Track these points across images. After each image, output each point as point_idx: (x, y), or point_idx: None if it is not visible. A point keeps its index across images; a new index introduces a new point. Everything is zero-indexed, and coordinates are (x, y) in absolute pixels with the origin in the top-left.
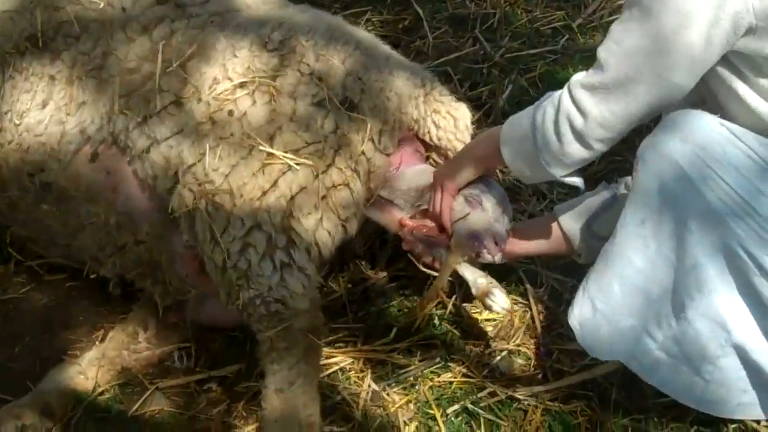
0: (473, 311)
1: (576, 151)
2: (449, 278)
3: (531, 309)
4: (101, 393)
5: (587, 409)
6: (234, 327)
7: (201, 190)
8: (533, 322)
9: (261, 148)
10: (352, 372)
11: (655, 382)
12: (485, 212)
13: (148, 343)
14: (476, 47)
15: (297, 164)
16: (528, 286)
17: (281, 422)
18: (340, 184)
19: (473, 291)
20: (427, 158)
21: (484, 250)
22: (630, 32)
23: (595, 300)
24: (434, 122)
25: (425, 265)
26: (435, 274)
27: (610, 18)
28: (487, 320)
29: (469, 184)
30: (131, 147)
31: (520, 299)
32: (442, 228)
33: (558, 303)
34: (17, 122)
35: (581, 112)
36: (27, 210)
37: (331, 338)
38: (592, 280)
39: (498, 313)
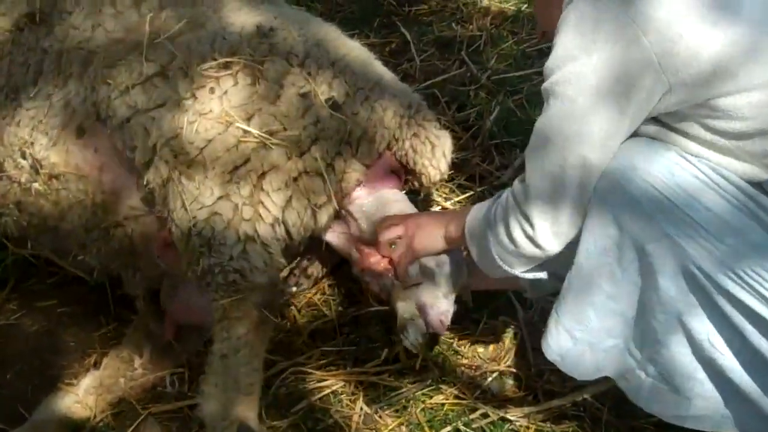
0: (464, 333)
1: (530, 252)
2: None
3: (521, 330)
4: (98, 422)
5: (579, 430)
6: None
7: (176, 162)
8: (523, 343)
9: (237, 125)
10: (344, 395)
11: (642, 403)
12: (436, 286)
13: (143, 368)
14: (463, 69)
15: (272, 144)
16: (518, 307)
17: (221, 386)
18: (312, 171)
19: (397, 321)
20: (406, 181)
21: (430, 327)
22: (549, 122)
23: (572, 330)
24: (412, 146)
25: (374, 296)
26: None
27: None
28: (478, 342)
29: None
30: (112, 116)
31: (510, 320)
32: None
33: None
34: (12, 96)
35: (525, 215)
36: (19, 190)
37: (322, 361)
38: (563, 313)
39: (409, 348)
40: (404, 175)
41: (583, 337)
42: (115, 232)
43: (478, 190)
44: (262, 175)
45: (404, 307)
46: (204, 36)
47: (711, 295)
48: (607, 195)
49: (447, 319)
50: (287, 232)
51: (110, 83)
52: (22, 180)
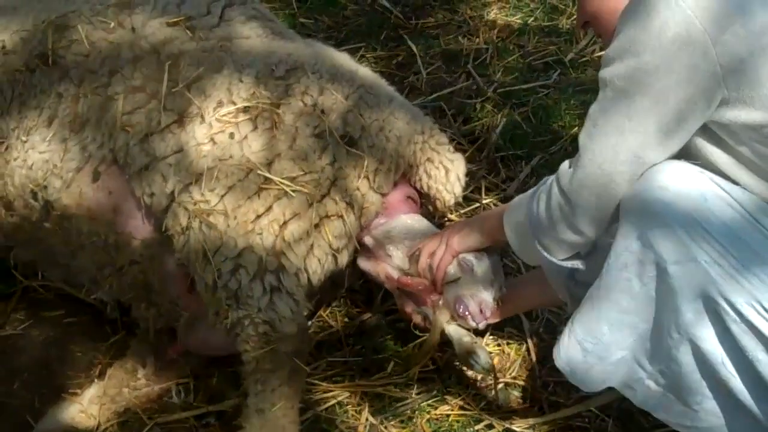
0: None
1: (569, 237)
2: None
3: (527, 342)
4: (103, 431)
5: None
6: (227, 358)
7: (196, 209)
8: (529, 354)
9: (258, 172)
10: (350, 406)
11: (648, 409)
12: (475, 278)
13: (147, 379)
14: (469, 82)
15: (293, 191)
16: (523, 318)
17: None
18: (333, 215)
19: (456, 349)
20: (421, 205)
21: (468, 315)
22: (605, 113)
23: (584, 342)
24: (426, 171)
25: (416, 327)
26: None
27: (601, 52)
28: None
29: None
30: (131, 164)
31: (515, 332)
32: (433, 284)
33: (553, 335)
34: (24, 139)
35: (568, 200)
36: (31, 229)
37: (328, 372)
38: (579, 323)
39: (480, 373)
40: (420, 199)
41: (594, 349)
42: (129, 269)
43: (484, 202)
44: (284, 225)
45: (458, 332)
46: (220, 80)
47: (727, 321)
48: (634, 211)
49: (487, 309)
50: (309, 279)
51: (129, 131)
52: (33, 219)
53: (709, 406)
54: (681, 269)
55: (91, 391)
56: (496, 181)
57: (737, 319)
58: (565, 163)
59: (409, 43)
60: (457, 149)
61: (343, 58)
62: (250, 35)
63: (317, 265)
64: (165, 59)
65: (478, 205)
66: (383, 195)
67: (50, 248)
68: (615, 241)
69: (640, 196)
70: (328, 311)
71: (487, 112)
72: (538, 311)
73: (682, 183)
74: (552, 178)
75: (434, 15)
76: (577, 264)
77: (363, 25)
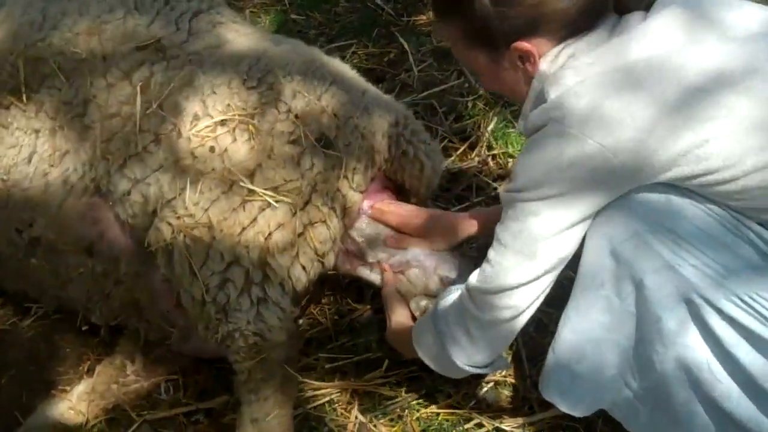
0: None
1: (489, 344)
2: None
3: (517, 341)
4: (91, 427)
5: None
6: (219, 358)
7: (180, 224)
8: (519, 353)
9: (242, 184)
10: (339, 404)
11: (639, 429)
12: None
13: (136, 375)
14: (461, 80)
15: (276, 201)
16: None
17: None
18: (317, 222)
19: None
20: (400, 193)
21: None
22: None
23: (571, 366)
24: (401, 165)
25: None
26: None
27: None
28: None
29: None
30: (113, 191)
31: None
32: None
33: (543, 334)
34: (4, 178)
35: (485, 311)
36: (17, 266)
37: (318, 370)
38: (561, 349)
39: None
40: (396, 190)
41: (582, 371)
42: (116, 291)
43: (475, 200)
44: (269, 236)
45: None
46: (193, 94)
47: (710, 321)
48: (603, 226)
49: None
50: (293, 286)
51: (108, 158)
52: (19, 256)
53: (699, 422)
54: (657, 278)
55: (80, 388)
56: (488, 179)
57: (718, 316)
58: (473, 278)
59: (401, 40)
60: (448, 147)
61: (312, 54)
62: (218, 43)
63: (302, 272)
64: (136, 82)
65: (469, 203)
66: (362, 192)
67: (39, 282)
68: (584, 258)
69: (607, 213)
70: (318, 308)
71: (479, 110)
72: None
73: (646, 196)
74: (453, 296)
75: (426, 12)
76: (500, 365)
77: (354, 21)
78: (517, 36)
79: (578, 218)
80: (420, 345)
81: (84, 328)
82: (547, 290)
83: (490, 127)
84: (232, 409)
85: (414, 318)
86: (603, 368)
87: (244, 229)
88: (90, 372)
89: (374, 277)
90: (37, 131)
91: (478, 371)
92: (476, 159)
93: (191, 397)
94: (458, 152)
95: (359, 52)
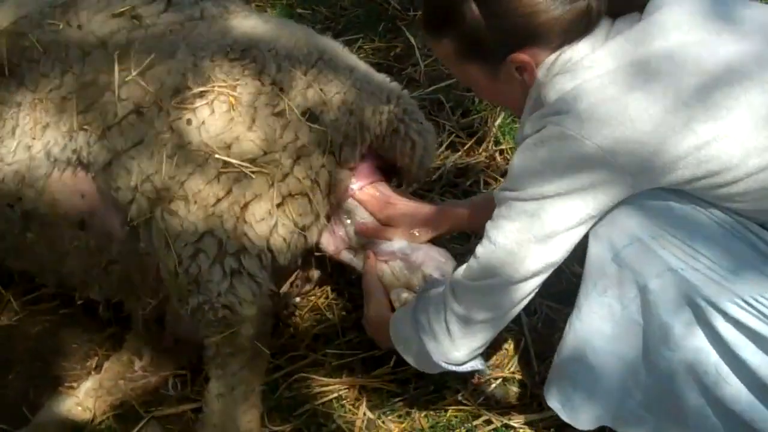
0: None
1: (468, 342)
2: None
3: (525, 337)
4: (98, 423)
5: None
6: None
7: (157, 197)
8: (527, 350)
9: (217, 156)
10: (347, 400)
11: None
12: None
13: (143, 371)
14: None
15: (252, 172)
16: (522, 314)
17: (220, 427)
18: (297, 193)
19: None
20: (390, 178)
21: None
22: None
23: (574, 375)
24: (392, 143)
25: None
26: None
27: None
28: None
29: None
30: (93, 162)
31: (513, 326)
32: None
33: (552, 330)
34: None
35: (467, 307)
36: (15, 241)
37: (326, 366)
38: (566, 358)
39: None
40: (388, 170)
41: (583, 382)
42: (112, 268)
43: None
44: (245, 206)
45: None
46: (175, 66)
47: (715, 324)
48: (604, 233)
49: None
50: (274, 258)
51: (87, 129)
52: (16, 232)
53: (709, 425)
54: (661, 282)
55: (88, 384)
56: (495, 174)
57: (723, 319)
58: (458, 272)
59: (407, 34)
60: (455, 142)
61: (302, 31)
62: (203, 16)
63: (282, 244)
64: (113, 50)
65: None
66: (350, 169)
67: (38, 257)
68: (588, 266)
69: (609, 218)
70: (325, 304)
71: (486, 105)
72: (536, 305)
73: (647, 201)
74: (437, 290)
75: None
76: (478, 366)
77: (361, 16)
78: (513, 48)
79: (573, 223)
80: (397, 337)
81: (90, 326)
82: (532, 295)
83: (498, 122)
84: None
85: (393, 309)
86: (604, 378)
87: (219, 200)
88: (97, 368)
89: (357, 262)
90: (18, 104)
91: (453, 369)
92: (483, 154)
93: (199, 392)
94: (465, 147)
95: (365, 47)
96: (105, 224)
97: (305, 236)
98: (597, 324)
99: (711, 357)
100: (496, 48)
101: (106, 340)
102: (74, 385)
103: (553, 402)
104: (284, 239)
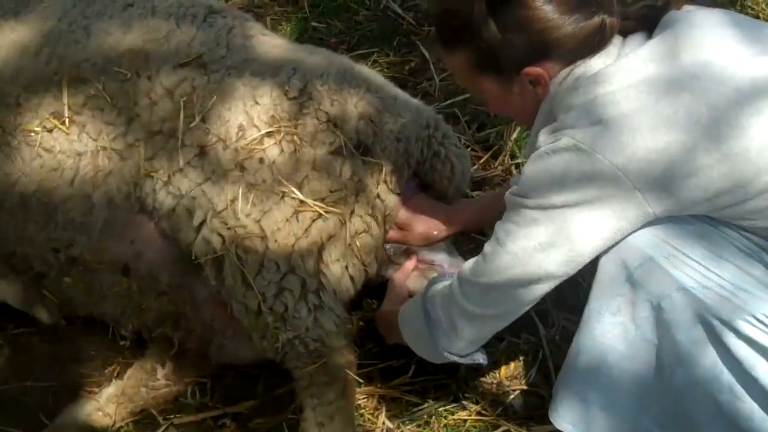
0: (486, 350)
1: (471, 335)
2: None
3: (543, 349)
4: (117, 429)
5: None
6: (249, 363)
7: (232, 235)
8: (545, 361)
9: (293, 195)
10: (366, 409)
11: None
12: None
13: (166, 379)
14: None
15: (326, 212)
16: (539, 325)
17: None
18: (362, 231)
19: None
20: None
21: None
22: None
23: (585, 394)
24: (432, 166)
25: None
26: None
27: None
28: (501, 359)
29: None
30: (158, 209)
31: (532, 338)
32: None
33: (570, 343)
34: (45, 200)
35: (472, 302)
36: (50, 284)
37: None
38: (575, 377)
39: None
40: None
41: (596, 400)
42: (153, 304)
43: None
44: (322, 246)
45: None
46: (235, 105)
47: (727, 341)
48: (616, 252)
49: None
50: (343, 295)
51: (153, 176)
52: (52, 276)
53: None
54: (673, 301)
55: (110, 390)
56: None
57: (735, 336)
58: (468, 264)
59: (422, 49)
60: (471, 156)
61: (346, 63)
62: (254, 56)
63: (349, 282)
64: (179, 98)
65: None
66: (398, 195)
67: (70, 299)
68: (597, 284)
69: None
70: None
71: (502, 119)
72: (553, 318)
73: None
74: (443, 283)
75: None
76: (479, 359)
77: (375, 30)
78: (527, 62)
79: (578, 235)
80: (405, 324)
81: (108, 334)
82: (535, 302)
83: (514, 135)
84: (259, 414)
85: None
86: (618, 397)
87: (297, 239)
88: (119, 375)
89: (390, 273)
90: (79, 154)
91: (456, 360)
92: (499, 168)
93: (218, 401)
94: (481, 161)
95: (380, 61)
96: (151, 266)
97: (368, 272)
98: (610, 343)
99: (724, 375)
100: (510, 62)
101: (124, 348)
102: (95, 390)
103: (563, 423)
104: (352, 278)
